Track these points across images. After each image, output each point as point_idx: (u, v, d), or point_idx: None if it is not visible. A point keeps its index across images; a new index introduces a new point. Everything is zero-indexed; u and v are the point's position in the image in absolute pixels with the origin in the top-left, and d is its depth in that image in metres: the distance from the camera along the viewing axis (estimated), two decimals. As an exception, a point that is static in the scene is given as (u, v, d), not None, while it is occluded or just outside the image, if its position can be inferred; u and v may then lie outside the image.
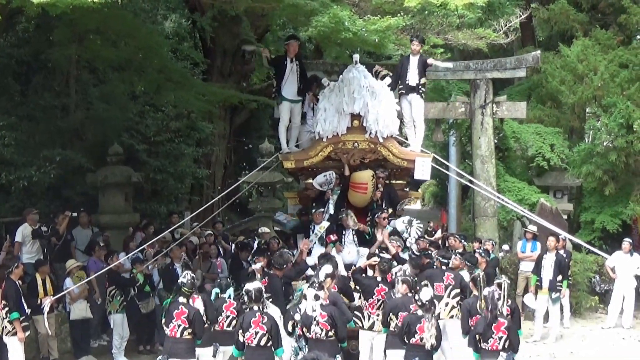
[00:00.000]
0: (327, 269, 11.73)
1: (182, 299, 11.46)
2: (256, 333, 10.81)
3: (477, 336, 11.00)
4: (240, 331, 10.95)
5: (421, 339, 10.88)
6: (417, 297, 11.08)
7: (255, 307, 11.03)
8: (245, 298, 11.32)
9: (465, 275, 13.80)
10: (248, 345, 10.89)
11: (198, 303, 11.79)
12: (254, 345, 10.85)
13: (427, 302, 10.92)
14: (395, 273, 12.42)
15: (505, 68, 21.13)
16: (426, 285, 11.65)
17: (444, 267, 13.46)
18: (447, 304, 13.26)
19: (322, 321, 11.02)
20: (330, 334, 11.06)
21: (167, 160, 23.93)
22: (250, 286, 11.27)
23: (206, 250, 16.95)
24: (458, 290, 13.27)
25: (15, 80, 20.52)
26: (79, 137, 21.47)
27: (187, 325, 11.28)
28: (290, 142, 15.58)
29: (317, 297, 11.17)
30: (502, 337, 10.85)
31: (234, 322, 12.00)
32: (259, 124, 33.27)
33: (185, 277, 11.72)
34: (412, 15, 17.70)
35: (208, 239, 17.54)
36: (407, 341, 11.01)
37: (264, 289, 11.47)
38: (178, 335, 11.32)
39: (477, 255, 15.34)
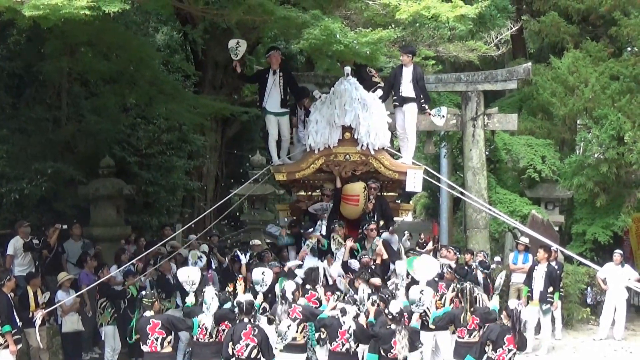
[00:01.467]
0: (290, 286, 11.84)
1: (148, 313, 11.38)
2: (247, 345, 10.83)
3: (489, 342, 11.02)
4: (230, 343, 10.95)
5: (397, 352, 10.86)
6: (387, 311, 11.06)
7: (246, 319, 11.05)
8: (237, 310, 11.33)
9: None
10: (238, 357, 10.89)
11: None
12: (244, 358, 10.86)
13: (397, 315, 10.91)
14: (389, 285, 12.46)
15: (496, 80, 21.20)
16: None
17: (436, 279, 13.48)
18: None
19: (345, 336, 11.09)
20: (350, 349, 11.12)
21: (159, 172, 23.91)
22: (242, 298, 11.30)
23: (196, 263, 16.86)
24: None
25: (7, 92, 20.47)
26: (71, 149, 21.43)
27: (165, 335, 11.23)
28: (281, 154, 15.59)
29: (357, 316, 11.30)
30: (511, 349, 10.90)
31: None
32: (250, 136, 33.27)
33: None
34: (404, 28, 17.76)
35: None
36: (384, 355, 10.98)
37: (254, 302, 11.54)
38: (159, 349, 11.24)
39: (474, 267, 15.44)
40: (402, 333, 10.85)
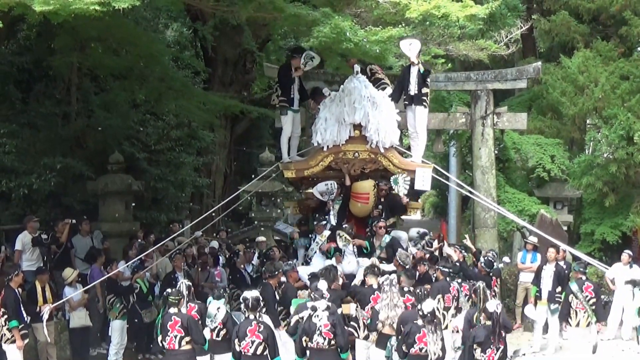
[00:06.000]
0: (323, 284, 11.79)
1: (172, 310, 11.41)
2: (252, 342, 10.83)
3: (475, 346, 10.96)
4: (236, 340, 10.95)
5: (421, 349, 10.81)
6: (418, 308, 11.03)
7: (252, 316, 11.04)
8: (242, 306, 11.32)
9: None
10: (244, 354, 10.89)
11: (194, 312, 11.84)
12: (250, 354, 10.86)
13: (428, 314, 10.87)
14: (383, 282, 12.43)
15: (506, 79, 21.16)
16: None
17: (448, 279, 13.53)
18: (453, 315, 13.42)
19: (325, 330, 11.00)
20: (332, 342, 11.03)
21: (168, 168, 23.92)
22: (248, 294, 11.28)
23: (204, 260, 16.89)
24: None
25: (17, 87, 20.53)
26: (80, 145, 21.48)
27: (183, 334, 11.24)
28: (291, 152, 15.59)
29: (328, 308, 11.19)
30: (499, 347, 10.84)
31: (222, 332, 12.06)
32: (259, 133, 33.28)
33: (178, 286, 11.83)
34: (414, 27, 17.72)
35: (211, 250, 17.53)
36: (406, 351, 10.95)
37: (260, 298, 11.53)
38: (177, 346, 11.26)
39: (479, 265, 15.45)
40: (437, 333, 10.84)
